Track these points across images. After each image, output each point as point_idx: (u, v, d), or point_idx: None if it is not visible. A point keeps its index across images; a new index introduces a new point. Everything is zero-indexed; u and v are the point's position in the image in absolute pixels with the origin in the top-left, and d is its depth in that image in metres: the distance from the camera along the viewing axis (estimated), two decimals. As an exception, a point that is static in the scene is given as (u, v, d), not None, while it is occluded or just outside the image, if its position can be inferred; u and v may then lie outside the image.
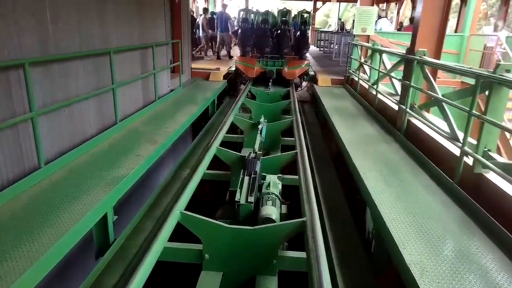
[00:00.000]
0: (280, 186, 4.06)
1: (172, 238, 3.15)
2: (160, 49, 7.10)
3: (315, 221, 3.00)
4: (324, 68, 11.36)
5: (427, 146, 4.21)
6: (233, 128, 6.72)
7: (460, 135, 3.51)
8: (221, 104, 9.64)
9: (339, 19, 21.35)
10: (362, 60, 7.69)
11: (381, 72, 6.12)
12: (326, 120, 6.86)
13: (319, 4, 24.65)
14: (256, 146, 4.90)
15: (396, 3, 21.38)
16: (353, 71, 8.63)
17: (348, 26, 19.66)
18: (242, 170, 3.99)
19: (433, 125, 4.15)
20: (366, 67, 7.54)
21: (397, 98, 5.60)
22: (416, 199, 3.31)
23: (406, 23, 13.69)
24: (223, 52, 13.84)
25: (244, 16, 11.26)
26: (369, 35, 8.62)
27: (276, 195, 3.82)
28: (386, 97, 5.78)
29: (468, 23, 9.98)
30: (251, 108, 8.15)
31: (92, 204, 3.03)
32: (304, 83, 11.47)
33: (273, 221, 3.38)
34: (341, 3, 26.01)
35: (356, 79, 8.32)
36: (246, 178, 3.84)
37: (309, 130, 7.24)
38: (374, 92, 6.71)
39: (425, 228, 2.85)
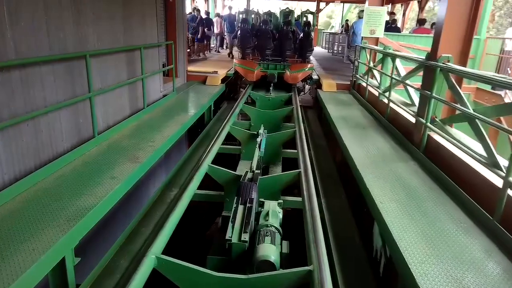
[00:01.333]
0: (280, 215, 3.44)
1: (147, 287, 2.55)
2: (150, 51, 6.50)
3: (323, 272, 2.38)
4: (335, 72, 10.74)
5: (455, 170, 3.58)
6: (231, 137, 6.12)
7: (502, 161, 2.89)
8: (219, 109, 9.05)
9: (346, 20, 20.67)
10: (371, 64, 7.07)
11: (394, 79, 5.50)
12: (331, 130, 6.25)
13: (322, 5, 24.03)
14: (254, 163, 4.28)
15: (402, 4, 20.77)
16: (360, 76, 8.01)
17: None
18: (236, 197, 3.38)
19: (462, 144, 3.53)
20: (376, 73, 6.92)
21: (413, 108, 4.98)
22: (447, 240, 2.68)
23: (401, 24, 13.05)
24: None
25: (243, 17, 10.65)
26: (378, 38, 8.00)
27: (275, 228, 3.21)
28: (401, 107, 5.16)
29: (484, 26, 9.35)
30: (250, 115, 7.54)
31: (45, 247, 2.42)
32: (308, 87, 10.87)
33: (272, 264, 2.78)
34: (344, 4, 25.43)
35: (364, 84, 7.70)
36: (240, 208, 3.22)
37: (313, 141, 6.62)
38: (385, 101, 6.09)
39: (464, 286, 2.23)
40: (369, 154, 4.45)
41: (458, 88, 3.69)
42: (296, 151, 5.52)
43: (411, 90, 5.23)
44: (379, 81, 6.59)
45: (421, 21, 10.08)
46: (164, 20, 8.01)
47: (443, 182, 3.60)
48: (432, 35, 10.22)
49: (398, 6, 21.50)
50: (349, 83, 8.93)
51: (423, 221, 2.93)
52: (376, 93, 6.66)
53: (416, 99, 5.14)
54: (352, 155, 4.38)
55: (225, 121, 6.09)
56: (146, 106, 5.98)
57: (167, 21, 8.07)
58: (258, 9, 12.35)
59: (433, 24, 11.22)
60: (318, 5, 22.87)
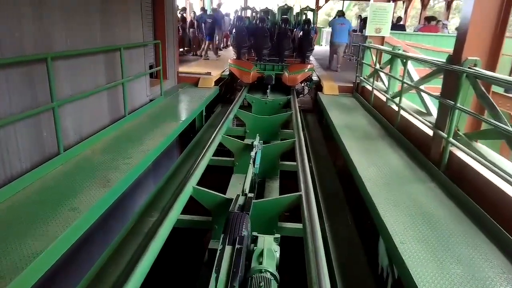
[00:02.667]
0: (278, 254, 2.83)
1: None
2: (135, 51, 5.86)
3: None
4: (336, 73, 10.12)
5: (486, 196, 2.98)
6: (223, 146, 5.51)
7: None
8: (213, 113, 8.43)
9: (360, 17, 19.99)
10: (378, 66, 6.45)
11: (407, 83, 4.89)
12: (334, 138, 5.65)
13: (321, 2, 23.38)
14: (247, 184, 3.66)
15: (403, 2, 20.16)
16: (365, 78, 7.40)
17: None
18: (222, 234, 2.76)
19: (494, 165, 2.92)
20: (383, 75, 6.31)
21: (429, 118, 4.37)
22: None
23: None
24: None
25: (239, 14, 10.02)
26: (384, 37, 7.38)
27: (271, 274, 2.60)
28: (414, 117, 4.54)
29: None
30: (246, 122, 6.93)
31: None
32: (307, 89, 10.26)
33: (266, 328, 2.18)
34: (344, 1, 24.80)
35: (369, 87, 7.09)
36: (228, 250, 2.60)
37: (314, 151, 6.01)
38: (394, 107, 5.48)
39: None
40: (381, 172, 3.84)
41: (491, 99, 3.09)
42: (295, 163, 4.93)
43: (426, 97, 4.62)
44: (387, 85, 5.98)
45: (428, 19, 9.47)
46: (152, 18, 7.37)
47: (473, 213, 3.00)
48: (440, 34, 9.69)
49: (399, 3, 20.90)
50: (351, 85, 8.32)
51: (459, 271, 2.33)
52: (384, 98, 6.06)
53: (432, 108, 4.54)
54: (361, 174, 3.78)
55: (216, 130, 5.46)
56: (128, 114, 5.35)
57: (155, 19, 7.42)
58: (254, 7, 11.69)
59: (438, 21, 10.63)
60: (317, 2, 22.23)
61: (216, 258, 2.54)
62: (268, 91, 8.74)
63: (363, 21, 13.96)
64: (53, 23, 3.70)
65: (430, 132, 4.13)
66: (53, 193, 3.07)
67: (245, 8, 11.44)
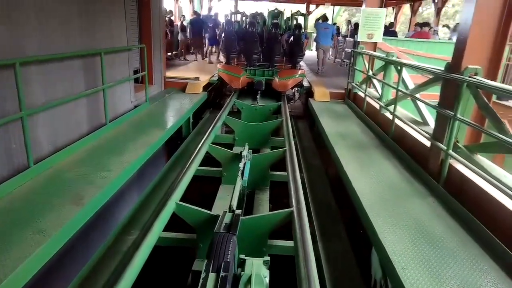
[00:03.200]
0: (267, 280, 2.57)
1: None
2: (118, 56, 5.58)
3: None
4: (328, 79, 9.94)
5: (492, 214, 2.78)
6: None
7: None
8: (201, 119, 8.16)
9: (350, 22, 19.92)
10: (370, 72, 6.28)
11: (401, 91, 4.70)
12: (326, 147, 5.44)
13: (312, 7, 23.34)
14: (234, 199, 3.41)
15: (393, 8, 20.22)
16: (357, 85, 7.23)
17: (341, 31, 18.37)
18: (206, 261, 2.49)
19: (497, 181, 2.73)
20: (376, 82, 6.13)
21: (426, 128, 4.19)
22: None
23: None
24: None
25: (228, 18, 9.80)
26: (376, 43, 7.23)
27: (260, 304, 2.35)
28: (410, 126, 4.35)
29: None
30: (235, 129, 6.69)
31: None
32: (298, 95, 10.05)
33: None
34: (334, 7, 24.82)
35: (361, 94, 6.91)
36: (211, 278, 2.34)
37: (306, 160, 5.78)
38: (388, 115, 5.30)
39: None
40: (377, 186, 3.62)
41: (494, 110, 2.90)
42: (286, 173, 4.70)
43: (422, 106, 4.43)
44: (380, 92, 5.80)
45: (421, 25, 9.38)
46: (138, 21, 7.10)
47: (475, 231, 2.80)
48: (433, 40, 9.60)
49: (389, 9, 20.96)
50: (343, 91, 8.14)
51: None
52: (377, 106, 5.87)
53: (429, 117, 4.35)
54: (356, 188, 3.55)
55: (203, 139, 5.20)
56: (110, 121, 5.06)
57: (141, 23, 7.15)
58: (244, 11, 11.47)
59: (431, 27, 10.56)
60: (308, 8, 22.20)
61: (200, 283, 2.28)
62: (258, 97, 8.52)
63: (355, 27, 13.89)
64: (24, 25, 3.41)
65: (427, 143, 3.94)
66: (18, 212, 2.77)
67: (235, 12, 11.21)
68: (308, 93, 9.00)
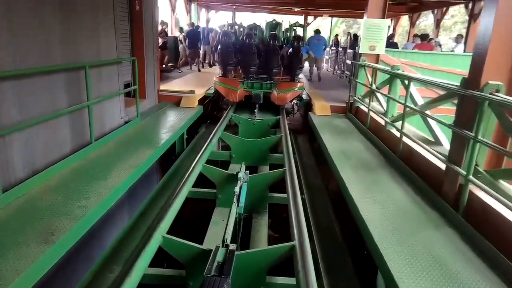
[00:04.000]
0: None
1: None
2: (106, 69, 5.24)
3: None
4: (328, 91, 9.63)
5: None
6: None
7: None
8: (197, 133, 7.81)
9: (336, 35, 19.79)
10: (374, 86, 5.96)
11: (410, 108, 4.36)
12: (328, 165, 5.09)
13: (310, 19, 23.26)
14: (229, 233, 3.03)
15: (392, 19, 20.12)
16: (359, 98, 6.91)
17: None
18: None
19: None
20: (380, 96, 5.80)
21: (439, 148, 3.84)
22: None
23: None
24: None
25: (225, 29, 9.53)
26: (378, 55, 6.94)
27: None
28: (420, 145, 4.00)
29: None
30: (231, 145, 6.33)
31: None
32: (297, 108, 9.73)
33: None
34: (332, 19, 24.74)
35: (364, 109, 6.59)
36: None
37: (307, 180, 5.42)
38: (394, 132, 4.96)
39: None
40: (386, 213, 3.25)
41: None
42: (286, 195, 4.34)
43: (433, 123, 4.09)
44: (385, 107, 5.47)
45: (423, 36, 9.13)
46: (130, 33, 6.81)
47: (501, 268, 2.43)
48: (437, 52, 9.35)
49: (387, 20, 20.86)
50: (344, 105, 7.82)
51: None
52: (381, 122, 5.54)
53: (440, 134, 4.01)
54: (364, 215, 3.18)
55: (197, 158, 4.83)
56: (96, 140, 4.69)
57: (133, 34, 6.86)
58: (241, 22, 11.23)
59: (431, 39, 10.33)
60: (305, 19, 22.08)
61: None
62: (256, 110, 8.19)
63: (354, 38, 13.68)
64: (-5, 37, 3.08)
65: (440, 165, 3.59)
66: (-24, 253, 2.38)
67: (232, 24, 10.96)
68: (307, 105, 8.69)
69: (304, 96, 8.83)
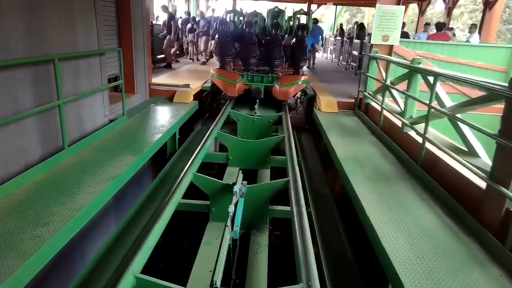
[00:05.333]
0: None
1: None
2: (85, 62, 4.60)
3: None
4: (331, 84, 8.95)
5: None
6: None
7: None
8: (192, 131, 7.18)
9: (341, 24, 18.91)
10: (388, 82, 5.29)
11: (435, 109, 3.71)
12: (338, 172, 4.48)
13: (313, 7, 22.35)
14: (219, 273, 2.42)
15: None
16: (370, 94, 6.25)
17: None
18: None
19: None
20: (396, 93, 5.14)
21: (475, 161, 3.20)
22: None
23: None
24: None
25: (223, 17, 8.82)
26: (392, 46, 6.25)
27: None
28: (450, 155, 3.36)
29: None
30: (228, 147, 5.70)
31: None
32: (300, 103, 9.08)
33: None
34: (337, 7, 23.82)
35: (376, 106, 5.94)
36: None
37: (313, 189, 4.79)
38: (413, 134, 4.33)
39: None
40: (414, 245, 2.63)
41: None
42: (289, 208, 3.76)
43: (465, 129, 3.44)
44: (402, 106, 4.82)
45: (439, 26, 8.39)
46: (116, 21, 6.13)
47: None
48: (455, 42, 8.63)
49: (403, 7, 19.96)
50: (352, 100, 7.17)
51: None
52: (397, 122, 4.90)
53: (477, 145, 3.37)
54: (388, 248, 2.57)
55: (187, 166, 4.20)
56: (70, 144, 4.07)
57: (120, 22, 6.18)
58: (241, 8, 10.47)
59: (450, 28, 9.59)
60: (309, 7, 21.20)
61: None
62: (256, 106, 7.54)
63: (360, 27, 12.93)
64: None
65: (478, 182, 2.96)
66: None
67: (232, 11, 10.21)
68: (311, 99, 8.05)
69: (307, 90, 8.15)
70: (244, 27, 8.24)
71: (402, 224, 2.91)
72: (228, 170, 5.60)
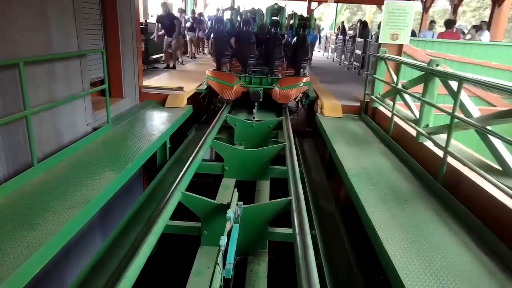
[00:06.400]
0: None
1: None
2: (61, 65, 4.10)
3: None
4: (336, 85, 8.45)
5: None
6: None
7: None
8: (185, 137, 6.70)
9: (342, 22, 18.36)
10: (400, 85, 4.80)
11: (460, 119, 3.21)
12: (345, 187, 4.00)
13: (314, 5, 21.82)
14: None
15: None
16: (378, 98, 5.75)
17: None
18: None
19: None
20: (409, 98, 4.64)
21: (508, 181, 2.71)
22: None
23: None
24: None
25: (219, 15, 8.31)
26: (401, 45, 5.75)
27: None
28: (479, 174, 2.86)
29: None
30: (224, 157, 5.22)
31: None
32: (301, 106, 8.58)
33: None
34: (338, 4, 23.29)
35: (385, 111, 5.45)
36: None
37: (319, 210, 4.29)
38: (430, 146, 3.84)
39: None
40: (441, 284, 2.15)
41: None
42: (290, 231, 3.31)
43: (498, 144, 2.94)
44: (416, 113, 4.33)
45: (448, 23, 7.88)
46: (101, 18, 5.63)
47: None
48: (469, 41, 8.12)
49: (415, 3, 19.38)
50: (357, 103, 6.68)
51: None
52: (410, 130, 4.41)
53: (509, 158, 2.87)
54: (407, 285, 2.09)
55: (175, 185, 3.71)
56: (44, 159, 3.58)
57: (106, 22, 5.68)
58: (239, 5, 9.93)
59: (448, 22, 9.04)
60: (309, 5, 20.68)
61: None
62: (254, 110, 7.03)
63: (364, 25, 12.44)
64: None
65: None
66: None
67: (230, 8, 9.67)
68: (313, 101, 7.57)
69: (309, 92, 7.65)
70: (241, 25, 7.73)
71: (430, 263, 2.41)
72: (223, 182, 5.12)
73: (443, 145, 3.46)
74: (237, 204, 3.30)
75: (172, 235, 3.72)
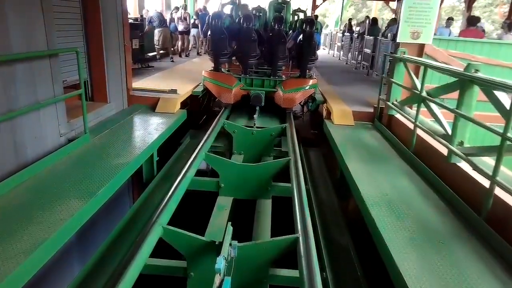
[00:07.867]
0: None
1: None
2: (24, 68, 3.43)
3: None
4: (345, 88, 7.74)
5: None
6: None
7: None
8: (179, 145, 6.04)
9: (350, 19, 17.53)
10: (424, 92, 4.10)
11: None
12: (361, 214, 3.33)
13: (318, 1, 21.03)
14: None
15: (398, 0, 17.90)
16: (395, 105, 5.06)
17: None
18: None
19: None
20: (436, 108, 3.94)
21: None
22: None
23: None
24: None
25: (218, 10, 7.61)
26: (423, 45, 5.05)
27: None
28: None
29: None
30: (219, 172, 4.54)
31: None
32: (307, 110, 7.90)
33: None
34: (344, 1, 22.50)
35: (404, 121, 4.76)
36: None
37: (330, 242, 3.60)
38: (467, 169, 3.15)
39: None
40: None
41: None
42: (296, 273, 2.69)
43: None
44: (447, 127, 3.63)
45: (471, 21, 7.14)
46: (82, 14, 4.95)
47: None
48: (496, 40, 7.40)
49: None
50: (370, 109, 5.99)
51: None
52: (438, 147, 3.72)
53: None
54: None
55: (155, 217, 3.03)
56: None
57: (87, 19, 5.00)
58: (239, 0, 9.21)
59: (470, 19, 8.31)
60: (314, 2, 19.92)
61: None
62: (255, 116, 6.34)
63: (372, 22, 11.72)
64: None
65: None
66: None
67: (230, 2, 8.95)
68: (316, 109, 6.90)
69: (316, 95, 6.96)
70: (242, 21, 7.03)
71: None
72: (218, 201, 4.45)
73: (485, 169, 2.79)
74: (230, 244, 2.64)
75: (152, 276, 3.06)
